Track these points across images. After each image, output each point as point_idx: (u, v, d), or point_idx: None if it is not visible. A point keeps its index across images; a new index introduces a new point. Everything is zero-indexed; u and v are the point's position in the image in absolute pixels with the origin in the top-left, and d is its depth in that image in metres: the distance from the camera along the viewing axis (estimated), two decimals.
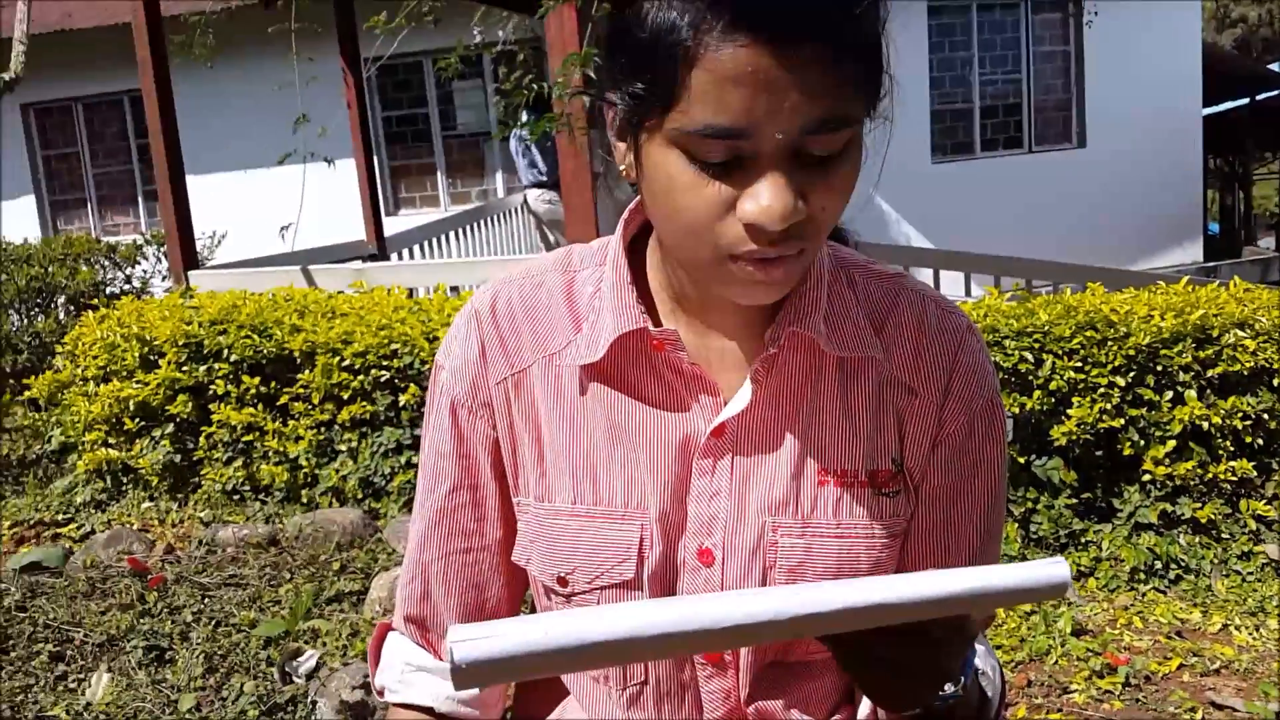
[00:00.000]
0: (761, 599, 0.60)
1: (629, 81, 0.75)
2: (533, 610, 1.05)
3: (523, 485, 0.93)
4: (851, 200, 0.80)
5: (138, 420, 3.77)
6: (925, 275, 6.03)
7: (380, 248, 6.13)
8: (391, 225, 6.85)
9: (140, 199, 9.82)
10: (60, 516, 3.80)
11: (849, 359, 0.88)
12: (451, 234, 6.65)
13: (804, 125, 0.70)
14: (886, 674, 0.71)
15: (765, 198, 0.71)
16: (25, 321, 5.67)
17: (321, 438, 3.59)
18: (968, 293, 5.54)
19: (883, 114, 0.78)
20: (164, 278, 6.32)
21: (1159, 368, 2.95)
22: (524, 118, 5.90)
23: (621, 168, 0.82)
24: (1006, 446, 0.96)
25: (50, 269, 5.67)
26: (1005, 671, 2.48)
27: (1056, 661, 2.55)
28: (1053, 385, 2.94)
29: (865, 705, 0.91)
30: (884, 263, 0.96)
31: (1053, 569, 0.61)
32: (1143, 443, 2.95)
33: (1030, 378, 2.97)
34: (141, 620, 2.62)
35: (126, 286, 6.12)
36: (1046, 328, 2.99)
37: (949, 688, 0.74)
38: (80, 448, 3.93)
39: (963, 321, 0.92)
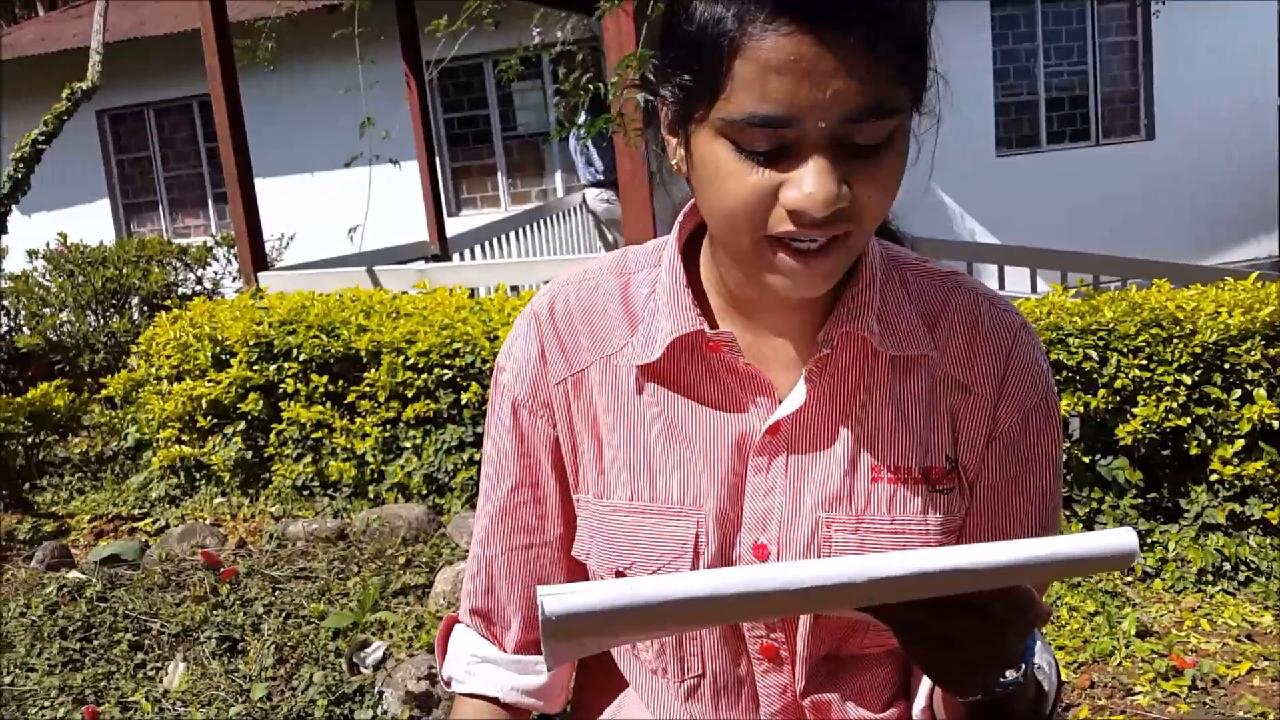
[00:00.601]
0: (835, 564, 0.61)
1: (678, 75, 0.78)
2: None
3: (582, 483, 0.95)
4: (909, 194, 0.81)
5: (210, 418, 3.88)
6: (990, 271, 5.96)
7: (443, 248, 6.22)
8: (453, 226, 6.94)
9: (210, 201, 10.06)
10: (136, 511, 3.93)
11: (902, 357, 0.89)
12: (512, 234, 6.72)
13: (846, 113, 0.71)
14: (949, 653, 0.71)
15: (808, 184, 0.72)
16: (101, 322, 5.84)
17: (387, 435, 3.67)
18: (1033, 289, 5.45)
19: (929, 108, 0.79)
20: (234, 279, 6.47)
21: (1226, 365, 2.89)
22: (582, 117, 5.95)
23: (673, 162, 0.84)
24: (1061, 444, 0.96)
25: (124, 270, 5.83)
26: (1068, 672, 2.46)
27: (1120, 663, 2.51)
28: (1118, 384, 2.90)
29: (921, 698, 0.91)
30: (936, 261, 0.97)
31: (1121, 538, 0.61)
32: (1210, 442, 2.89)
33: (1095, 376, 2.93)
34: (215, 612, 2.70)
35: (198, 287, 6.27)
36: (1111, 325, 2.94)
37: (1010, 674, 0.74)
38: (155, 445, 4.05)
39: (1016, 319, 0.92)
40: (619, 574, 0.92)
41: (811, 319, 0.89)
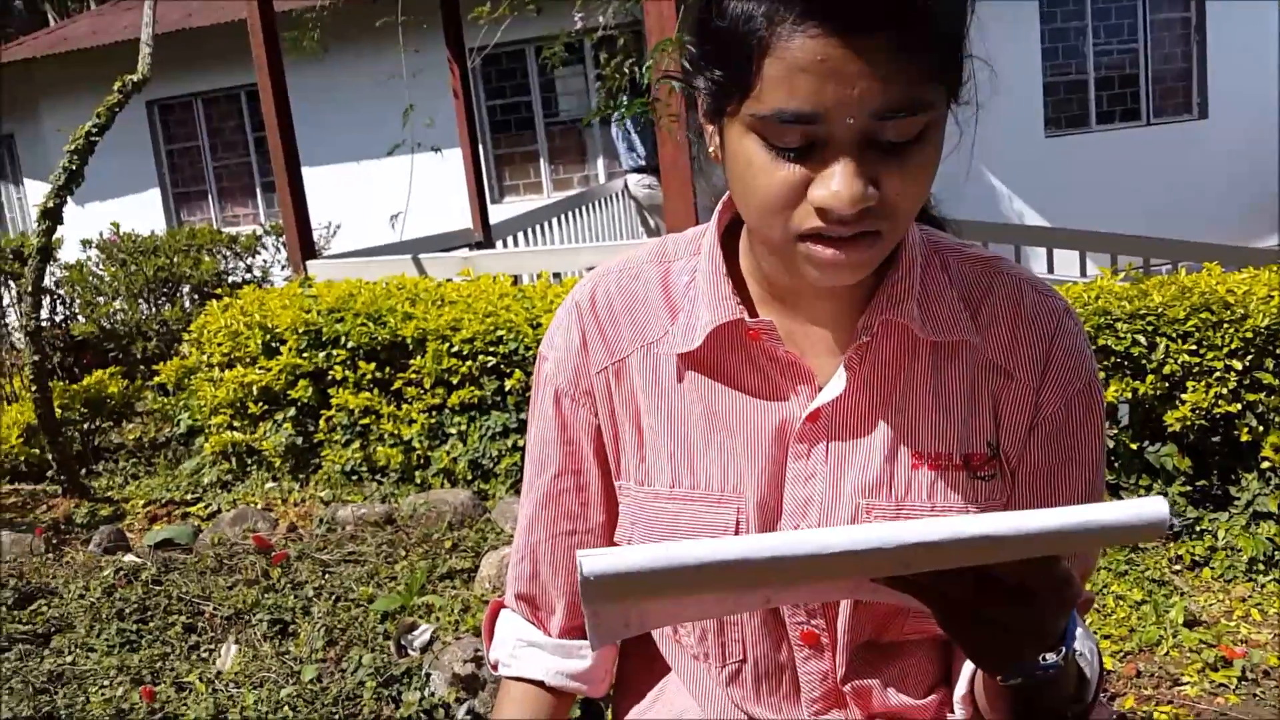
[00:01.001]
0: (871, 529, 0.61)
1: (711, 68, 0.79)
2: None
3: (624, 470, 0.97)
4: (954, 178, 0.81)
5: (261, 404, 3.95)
6: (1038, 254, 5.88)
7: (486, 235, 6.26)
8: (496, 213, 6.98)
9: (258, 190, 10.20)
10: (189, 496, 4.02)
11: (943, 343, 0.90)
12: (554, 220, 6.74)
13: (874, 112, 0.71)
14: (987, 632, 0.71)
15: (835, 183, 0.73)
16: (153, 310, 5.96)
17: (433, 421, 3.72)
18: (1082, 272, 5.37)
19: (967, 99, 0.79)
20: (283, 267, 6.56)
21: (1279, 351, 2.83)
22: (623, 102, 5.94)
23: (710, 149, 0.85)
24: (1105, 430, 0.96)
25: (176, 259, 5.94)
26: (1114, 661, 2.44)
27: (1167, 653, 2.49)
28: (1166, 369, 2.85)
29: (962, 684, 0.92)
30: (978, 246, 0.97)
31: (1152, 506, 0.60)
32: (1261, 429, 2.84)
33: (1143, 361, 2.89)
34: (266, 595, 2.76)
35: (247, 276, 6.37)
36: (1160, 309, 2.89)
37: (1050, 656, 0.74)
38: (207, 431, 4.14)
39: (1059, 304, 0.92)
40: None
41: (851, 306, 0.89)
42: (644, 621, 0.80)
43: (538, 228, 6.58)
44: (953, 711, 0.95)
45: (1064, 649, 0.75)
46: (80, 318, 6.11)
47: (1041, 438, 0.91)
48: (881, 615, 0.93)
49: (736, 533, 0.91)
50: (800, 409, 0.90)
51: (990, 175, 7.63)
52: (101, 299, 5.98)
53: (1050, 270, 5.43)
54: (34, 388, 4.02)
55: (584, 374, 0.96)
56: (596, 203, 7.41)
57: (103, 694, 2.37)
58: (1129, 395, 2.88)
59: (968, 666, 0.91)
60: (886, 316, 0.87)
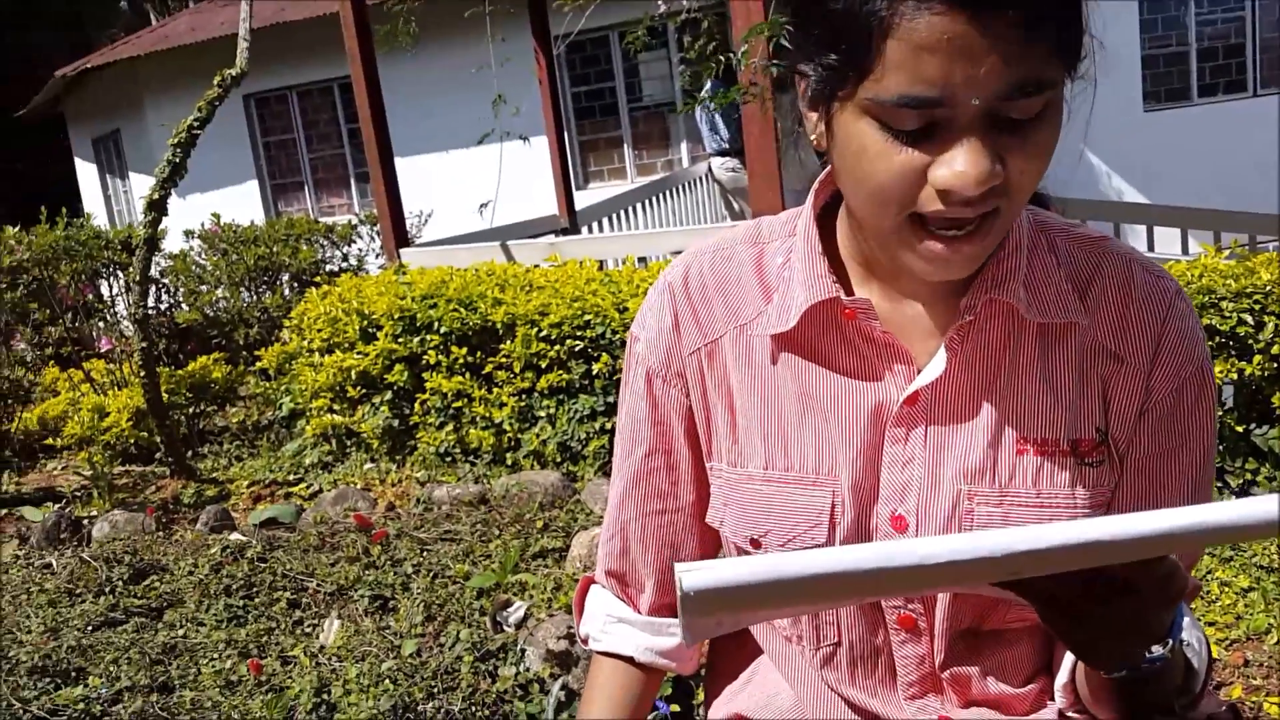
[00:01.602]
0: (975, 539, 0.60)
1: (822, 53, 0.75)
2: None
3: (716, 451, 0.96)
4: (1061, 160, 0.79)
5: (359, 388, 4.07)
6: (1138, 232, 5.69)
7: (571, 221, 6.31)
8: (581, 198, 7.03)
9: (352, 181, 10.43)
10: (291, 477, 4.15)
11: (1050, 325, 0.87)
12: (638, 205, 6.76)
13: (1000, 91, 0.69)
14: (1093, 629, 0.69)
15: (960, 163, 0.71)
16: (254, 298, 6.16)
17: (523, 404, 3.78)
18: (1184, 250, 5.19)
19: (1084, 74, 0.76)
20: (377, 255, 6.72)
21: None
22: (708, 86, 5.92)
23: (812, 137, 0.83)
24: (1216, 415, 0.92)
25: (275, 249, 6.12)
26: (1220, 649, 2.37)
27: (1278, 641, 2.40)
28: (1275, 349, 2.75)
29: (1063, 673, 0.90)
30: (1086, 225, 0.94)
31: (1265, 505, 0.59)
32: None
33: (1250, 341, 2.78)
34: (367, 572, 2.85)
35: (344, 264, 6.53)
36: (1268, 288, 2.79)
37: (1156, 649, 0.72)
38: (308, 414, 4.27)
39: (1171, 285, 0.88)
40: (754, 542, 0.93)
41: (953, 286, 0.86)
42: (737, 620, 0.79)
43: (622, 213, 6.60)
44: (1053, 700, 0.93)
45: (1171, 641, 0.73)
46: (184, 305, 6.34)
47: (1152, 423, 0.87)
48: (982, 603, 0.91)
49: (831, 517, 0.89)
50: (898, 391, 0.88)
51: (1088, 151, 7.40)
52: (204, 287, 6.20)
53: (1151, 248, 5.26)
54: (142, 373, 4.19)
55: (676, 355, 0.96)
56: (680, 187, 7.40)
57: (213, 666, 2.48)
58: (1234, 376, 2.79)
59: (1069, 656, 0.89)
60: (991, 296, 0.84)
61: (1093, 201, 6.08)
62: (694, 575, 0.58)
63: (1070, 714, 0.92)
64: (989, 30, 0.67)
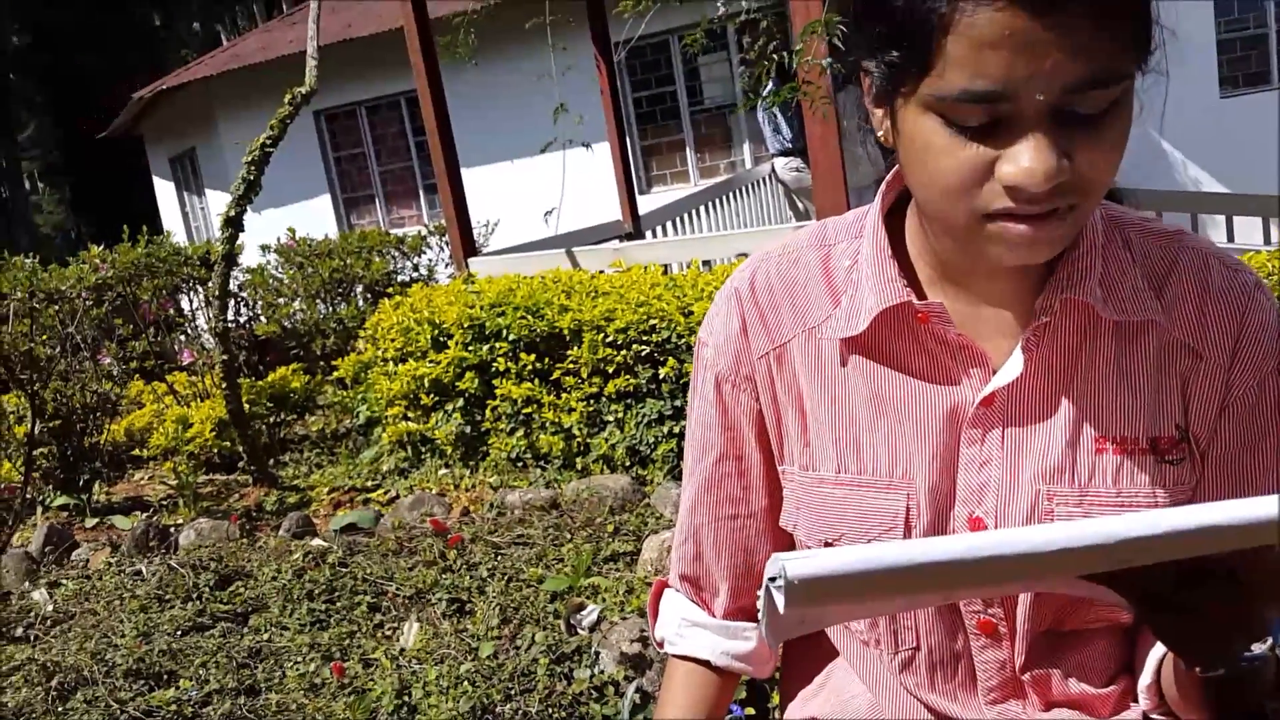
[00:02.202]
0: (1085, 526, 0.58)
1: (884, 50, 0.75)
2: None
3: (787, 455, 0.96)
4: (1137, 151, 0.77)
5: (432, 396, 4.14)
6: (1217, 222, 5.53)
7: (635, 226, 6.34)
8: (644, 203, 7.06)
9: (421, 192, 10.60)
10: (369, 483, 4.24)
11: (1126, 323, 0.86)
12: (702, 208, 6.76)
13: (1066, 85, 0.68)
14: (1192, 624, 0.68)
15: (1026, 159, 0.70)
16: (330, 309, 6.30)
17: (591, 409, 3.81)
18: (1265, 240, 5.03)
19: (1155, 68, 0.75)
20: (446, 265, 6.83)
21: None
22: (769, 86, 5.91)
23: (879, 134, 0.82)
24: None
25: (349, 261, 6.27)
26: None
27: None
28: None
29: (1147, 674, 0.89)
30: (1161, 220, 0.93)
31: None
32: None
33: None
34: (444, 575, 2.90)
35: (414, 274, 6.66)
36: None
37: (1257, 646, 0.70)
38: (384, 422, 4.36)
39: (1250, 279, 0.87)
40: (828, 545, 0.93)
41: (1027, 286, 0.86)
42: (820, 620, 0.78)
43: (686, 216, 6.62)
44: (1136, 702, 0.92)
45: (1272, 639, 0.71)
46: (263, 318, 6.51)
47: (1233, 419, 0.86)
48: (1062, 603, 0.90)
49: (907, 520, 0.89)
50: (973, 393, 0.87)
51: (1161, 140, 7.21)
52: (281, 300, 6.36)
53: (1230, 239, 5.10)
54: (224, 385, 4.32)
55: (745, 360, 0.96)
56: (743, 188, 7.38)
57: (297, 669, 2.55)
58: None
59: (1153, 656, 0.88)
60: (1067, 295, 0.83)
61: (1169, 192, 5.93)
62: (798, 564, 0.58)
63: (1154, 716, 0.91)
64: (1051, 24, 0.66)
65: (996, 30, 0.67)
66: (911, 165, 0.78)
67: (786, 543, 1.02)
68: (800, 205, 7.62)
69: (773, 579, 0.59)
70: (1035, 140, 0.69)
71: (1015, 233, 0.74)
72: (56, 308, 4.85)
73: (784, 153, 7.55)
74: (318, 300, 6.25)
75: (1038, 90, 0.68)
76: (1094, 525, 0.58)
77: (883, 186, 0.94)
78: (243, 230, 4.32)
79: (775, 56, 4.11)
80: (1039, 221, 0.74)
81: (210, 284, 4.53)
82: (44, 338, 4.33)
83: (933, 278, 0.90)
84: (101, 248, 5.88)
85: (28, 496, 4.39)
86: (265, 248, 6.87)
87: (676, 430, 3.62)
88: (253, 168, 4.26)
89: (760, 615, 0.62)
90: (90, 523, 4.28)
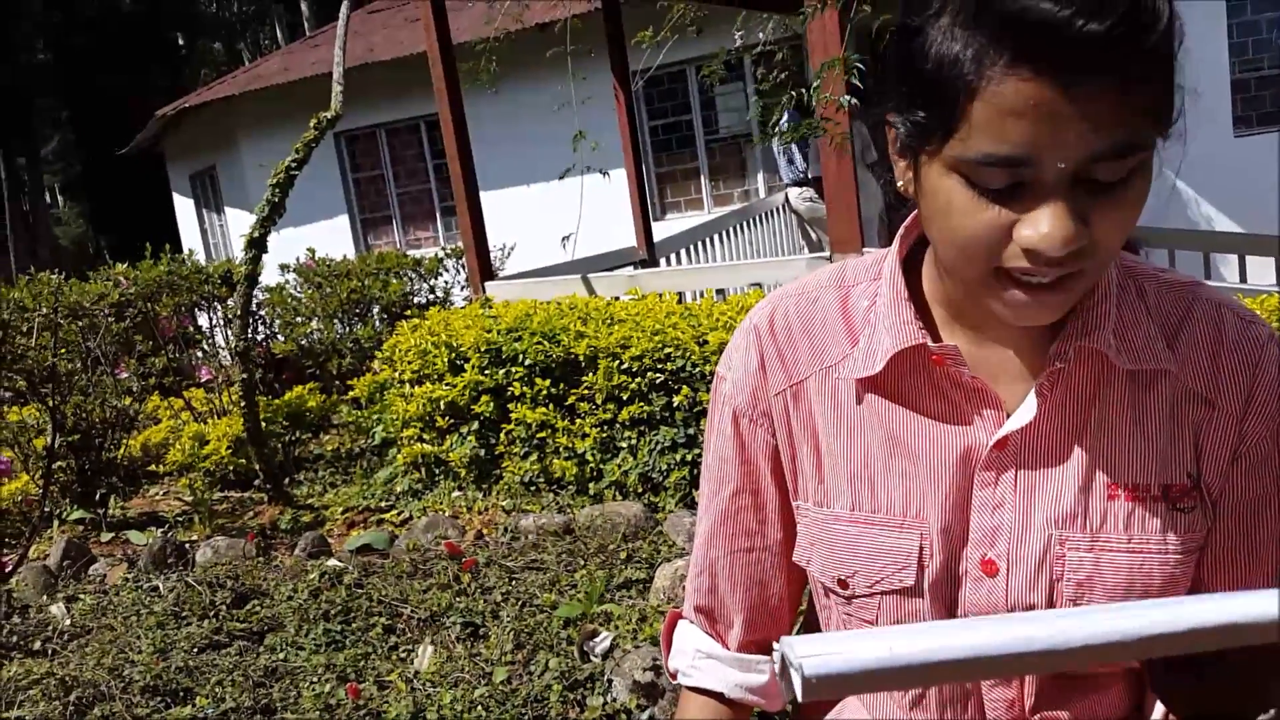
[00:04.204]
0: (1114, 617, 0.58)
1: (910, 108, 0.77)
2: (811, 607, 1.13)
3: (802, 490, 0.98)
4: (1154, 192, 0.76)
5: (447, 418, 4.17)
6: (1230, 261, 5.55)
7: (650, 253, 6.39)
8: (658, 229, 7.11)
9: (438, 214, 10.69)
10: (383, 504, 4.27)
11: (1140, 371, 0.87)
12: (716, 236, 6.81)
13: (1088, 155, 0.69)
14: (1202, 695, 0.69)
15: (1045, 225, 0.71)
16: (347, 329, 6.36)
17: (605, 435, 3.84)
18: (1279, 279, 5.05)
19: (1176, 134, 0.76)
20: (462, 287, 6.89)
21: None
22: (785, 118, 5.97)
23: (900, 183, 0.84)
24: None
25: (366, 282, 6.33)
26: None
27: None
28: None
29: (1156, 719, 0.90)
30: (1174, 270, 0.94)
31: None
32: None
33: None
34: (458, 599, 2.92)
35: (430, 296, 6.71)
36: None
37: (1263, 716, 0.71)
38: (399, 443, 4.39)
39: (1264, 331, 0.88)
40: (841, 582, 0.94)
41: (1042, 332, 0.87)
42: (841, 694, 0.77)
43: (700, 244, 6.67)
44: None
45: (1275, 710, 0.72)
46: (280, 336, 6.57)
47: (1245, 469, 0.87)
48: None
49: (920, 560, 0.90)
50: (987, 435, 0.89)
51: (1175, 177, 7.23)
52: (299, 319, 6.42)
53: (1243, 279, 5.12)
54: (243, 403, 4.37)
55: (762, 395, 0.97)
56: (757, 217, 7.43)
57: (313, 690, 2.56)
58: None
59: (1161, 704, 0.89)
60: (1081, 343, 0.85)
61: (1182, 230, 5.95)
62: (815, 661, 0.56)
63: None
64: (1076, 96, 0.67)
65: (1022, 99, 0.68)
66: (932, 220, 0.80)
67: (801, 576, 1.03)
68: (813, 235, 7.67)
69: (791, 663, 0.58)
70: (1055, 206, 0.71)
71: (1019, 299, 0.77)
72: (80, 323, 4.91)
73: (797, 183, 7.61)
74: (335, 320, 6.31)
75: (1060, 159, 0.70)
76: (1116, 620, 0.58)
77: (901, 230, 0.96)
78: (266, 251, 4.38)
79: (793, 93, 4.17)
80: (1043, 290, 0.76)
81: (232, 302, 4.59)
82: (62, 351, 4.39)
83: (949, 321, 0.92)
84: (126, 265, 5.96)
85: (45, 510, 4.44)
86: (285, 267, 6.93)
87: (689, 458, 3.64)
88: (277, 190, 4.33)
89: (778, 675, 0.61)
90: (105, 537, 4.32)
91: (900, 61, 0.78)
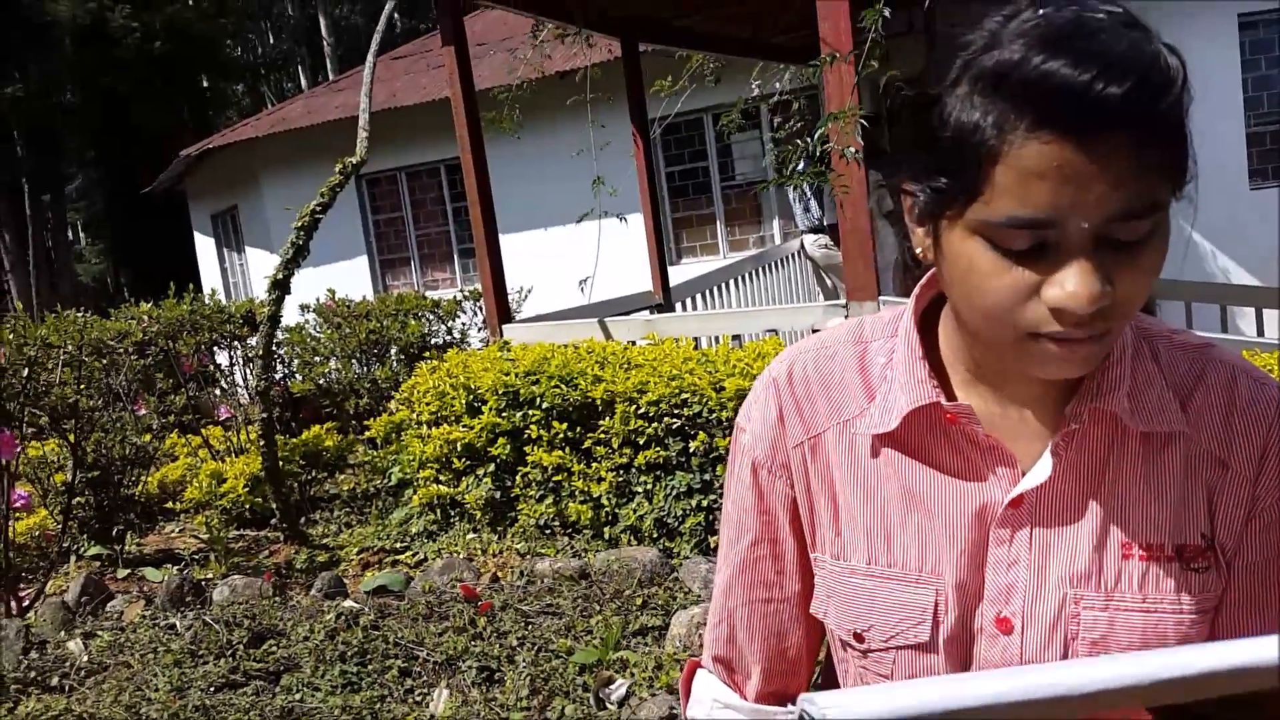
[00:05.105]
0: (1118, 665, 0.59)
1: (931, 176, 0.78)
2: (829, 659, 1.15)
3: (819, 543, 0.99)
4: (1171, 247, 0.78)
5: (464, 460, 4.20)
6: (1246, 314, 5.56)
7: (666, 298, 6.43)
8: (674, 274, 7.16)
9: (455, 256, 10.80)
10: (398, 545, 4.29)
11: (1154, 433, 0.88)
12: (731, 282, 6.85)
13: (1109, 215, 0.71)
14: None
15: (1071, 284, 0.73)
16: (364, 369, 6.41)
17: (620, 479, 3.86)
18: None
19: (1189, 195, 0.77)
20: (479, 329, 6.95)
21: None
22: (801, 166, 6.04)
23: (919, 249, 0.86)
24: None
25: (385, 323, 6.38)
26: None
27: None
28: None
29: None
30: (1187, 331, 0.95)
31: None
32: None
33: None
34: (474, 643, 2.93)
35: (448, 337, 6.76)
36: None
37: None
38: (415, 484, 4.41)
39: (1276, 393, 0.89)
40: (857, 636, 0.95)
41: (1057, 391, 0.88)
42: None
43: (715, 290, 6.71)
44: None
45: None
46: (298, 376, 6.62)
47: (1259, 530, 0.88)
48: None
49: (935, 616, 0.91)
50: (1002, 493, 0.89)
51: (1191, 230, 7.27)
52: (318, 359, 6.47)
53: (1260, 332, 5.13)
54: (262, 443, 4.41)
55: (780, 448, 0.98)
56: (772, 264, 7.48)
57: None
58: None
59: None
60: (1096, 405, 0.86)
61: (1199, 283, 5.96)
62: (835, 712, 0.57)
63: None
64: (1095, 157, 0.69)
65: (1044, 162, 0.70)
66: (955, 283, 0.81)
67: (819, 628, 1.04)
68: (829, 282, 7.69)
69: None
70: (1080, 265, 0.73)
71: (1055, 352, 0.78)
72: (103, 360, 4.97)
73: (813, 230, 7.66)
74: (353, 360, 6.36)
75: (1083, 219, 0.71)
76: (1129, 666, 0.60)
77: (917, 289, 0.98)
78: (289, 292, 4.44)
79: (806, 140, 4.24)
80: (1073, 344, 0.77)
81: (254, 342, 4.65)
82: (82, 387, 4.44)
83: (965, 379, 0.93)
84: (150, 305, 6.04)
85: (63, 545, 4.47)
86: (305, 307, 7.01)
87: (705, 504, 3.66)
88: (302, 233, 4.40)
89: None
90: (122, 574, 4.34)
91: (918, 131, 0.80)
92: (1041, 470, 0.88)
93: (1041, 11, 0.74)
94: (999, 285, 0.76)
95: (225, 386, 6.65)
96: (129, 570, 4.38)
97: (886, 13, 3.43)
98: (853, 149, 3.58)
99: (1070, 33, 0.71)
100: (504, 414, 4.07)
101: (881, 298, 3.96)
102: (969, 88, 0.75)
